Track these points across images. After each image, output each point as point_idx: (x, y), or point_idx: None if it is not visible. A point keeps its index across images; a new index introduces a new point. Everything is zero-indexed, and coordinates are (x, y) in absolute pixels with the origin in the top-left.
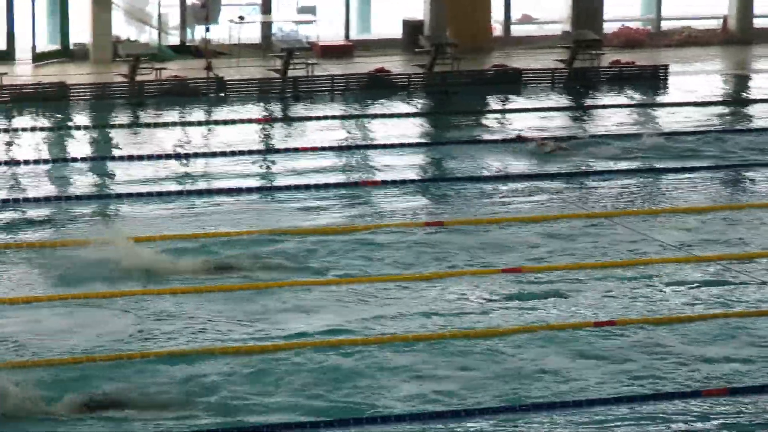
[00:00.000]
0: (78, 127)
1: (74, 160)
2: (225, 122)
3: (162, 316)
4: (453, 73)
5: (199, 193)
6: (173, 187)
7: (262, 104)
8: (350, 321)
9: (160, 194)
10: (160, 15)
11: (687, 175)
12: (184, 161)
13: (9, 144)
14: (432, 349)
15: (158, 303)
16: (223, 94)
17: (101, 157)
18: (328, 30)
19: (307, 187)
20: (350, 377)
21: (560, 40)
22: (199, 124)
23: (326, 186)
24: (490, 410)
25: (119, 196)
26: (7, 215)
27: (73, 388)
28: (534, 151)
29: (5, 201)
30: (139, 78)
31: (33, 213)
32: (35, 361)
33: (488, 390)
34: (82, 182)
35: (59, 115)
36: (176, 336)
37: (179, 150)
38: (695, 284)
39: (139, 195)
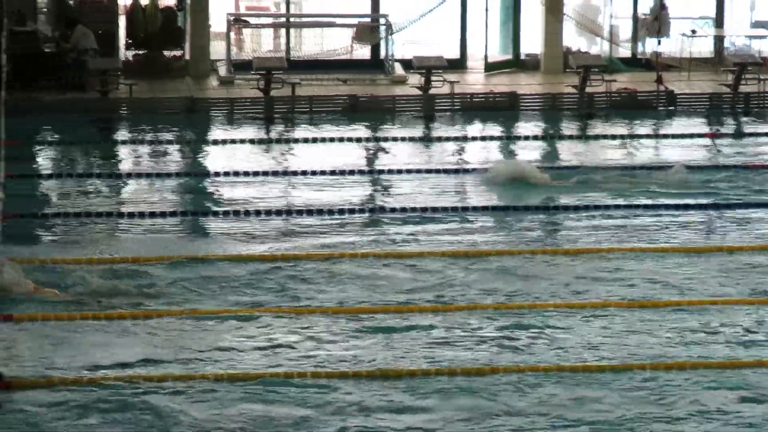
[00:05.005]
0: (527, 137)
1: None
2: (673, 136)
3: None
4: None
5: (644, 207)
6: (618, 200)
7: (712, 118)
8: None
9: (607, 206)
10: (611, 27)
11: None
12: (653, 172)
13: (458, 151)
14: None
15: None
16: (673, 108)
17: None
18: None
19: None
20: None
21: None
22: (648, 137)
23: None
24: None
25: (556, 208)
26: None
27: None
28: None
29: (446, 209)
30: (588, 89)
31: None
32: None
33: None
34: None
35: (508, 124)
36: None
37: (632, 163)
38: None
39: (576, 208)
